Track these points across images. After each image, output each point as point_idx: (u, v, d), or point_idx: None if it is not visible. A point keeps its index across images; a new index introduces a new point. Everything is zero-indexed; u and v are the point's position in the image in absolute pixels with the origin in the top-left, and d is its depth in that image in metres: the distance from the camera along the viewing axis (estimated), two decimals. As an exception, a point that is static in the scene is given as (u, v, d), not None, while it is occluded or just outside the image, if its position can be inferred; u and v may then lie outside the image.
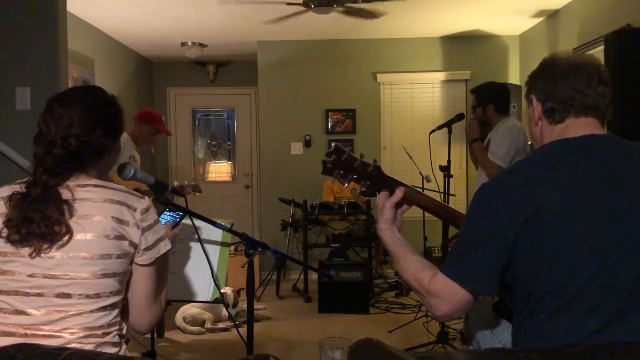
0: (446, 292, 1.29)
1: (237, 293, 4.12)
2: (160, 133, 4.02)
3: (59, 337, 1.27)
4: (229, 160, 7.00)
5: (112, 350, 1.32)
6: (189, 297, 2.11)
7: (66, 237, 1.27)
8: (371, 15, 4.80)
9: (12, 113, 2.92)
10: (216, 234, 2.12)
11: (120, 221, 1.32)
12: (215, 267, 2.04)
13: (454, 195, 4.23)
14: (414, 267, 1.39)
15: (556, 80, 1.33)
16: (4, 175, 2.84)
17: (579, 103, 1.32)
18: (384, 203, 1.50)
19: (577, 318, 1.19)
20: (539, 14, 4.94)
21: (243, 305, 3.94)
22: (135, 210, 1.35)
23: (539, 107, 1.38)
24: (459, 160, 5.58)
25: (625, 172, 1.24)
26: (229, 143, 7.00)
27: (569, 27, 4.57)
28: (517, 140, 3.36)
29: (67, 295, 1.28)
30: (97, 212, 1.31)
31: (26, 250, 1.27)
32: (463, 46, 5.76)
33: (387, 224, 1.49)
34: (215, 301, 2.09)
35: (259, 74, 5.88)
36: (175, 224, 1.85)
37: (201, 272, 2.06)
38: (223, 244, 2.13)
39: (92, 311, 1.29)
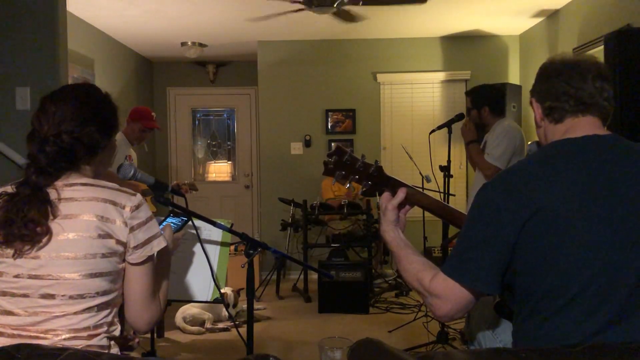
0: (447, 292, 1.29)
1: (237, 293, 4.12)
2: (150, 130, 4.01)
3: (44, 338, 1.26)
4: (229, 160, 7.00)
5: None
6: (189, 297, 2.11)
7: (45, 239, 1.27)
8: (352, 18, 4.79)
9: (12, 113, 2.92)
10: (216, 234, 2.12)
11: (105, 219, 1.31)
12: (215, 267, 2.04)
13: (454, 195, 4.23)
14: (415, 268, 1.39)
15: (551, 79, 1.35)
16: (4, 175, 2.83)
17: (574, 98, 1.32)
18: (386, 205, 1.50)
19: (578, 318, 1.19)
20: (539, 14, 4.94)
21: (243, 305, 3.95)
22: (123, 207, 1.34)
23: (539, 109, 1.39)
24: (459, 160, 5.58)
25: (627, 173, 1.24)
26: (229, 143, 7.00)
27: (569, 27, 4.57)
28: (514, 141, 3.37)
29: (51, 296, 1.27)
30: (82, 211, 1.30)
31: (10, 251, 1.27)
32: (463, 46, 5.76)
33: (391, 225, 1.49)
34: (215, 301, 2.09)
35: (259, 74, 5.87)
36: (178, 229, 1.83)
37: (201, 272, 2.06)
38: (223, 244, 2.12)
39: (76, 312, 1.28)
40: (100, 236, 1.30)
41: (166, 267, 1.58)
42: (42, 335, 1.26)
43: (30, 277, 1.27)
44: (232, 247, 4.13)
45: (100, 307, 1.32)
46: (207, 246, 2.07)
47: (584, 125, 1.32)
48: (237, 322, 3.95)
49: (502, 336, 1.55)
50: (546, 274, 1.21)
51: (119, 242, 1.33)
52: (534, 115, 1.42)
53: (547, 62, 1.40)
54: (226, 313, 3.98)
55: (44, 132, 1.33)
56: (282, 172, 5.85)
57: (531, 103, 1.42)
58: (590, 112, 1.33)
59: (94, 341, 1.30)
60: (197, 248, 2.05)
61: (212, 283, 2.04)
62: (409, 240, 1.49)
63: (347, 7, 4.40)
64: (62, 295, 1.27)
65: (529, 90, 1.46)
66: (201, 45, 5.80)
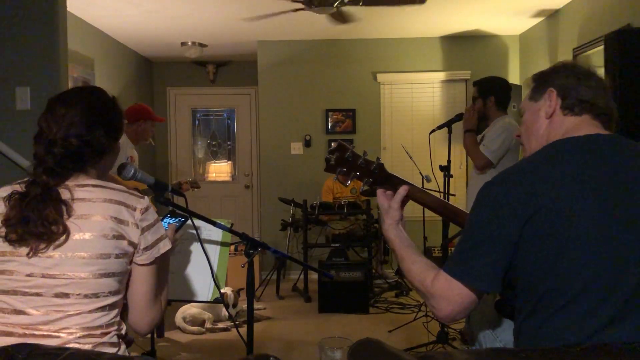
0: (449, 292, 1.28)
1: (237, 293, 4.12)
2: (154, 123, 4.00)
3: (57, 337, 1.26)
4: (229, 160, 7.00)
5: (111, 350, 1.32)
6: (189, 297, 2.11)
7: (63, 237, 1.28)
8: (352, 18, 4.78)
9: (12, 113, 2.92)
10: (216, 234, 2.12)
11: (120, 221, 1.33)
12: (215, 267, 2.04)
13: (454, 195, 4.22)
14: (417, 268, 1.38)
15: (580, 80, 1.36)
16: (4, 175, 2.83)
17: (598, 106, 1.35)
18: (389, 203, 1.49)
19: (579, 317, 1.18)
20: (539, 14, 4.94)
21: (243, 305, 3.94)
22: (134, 209, 1.36)
23: (558, 102, 1.38)
24: (459, 160, 5.58)
25: (630, 172, 1.24)
26: (229, 143, 7.00)
27: (569, 27, 4.56)
28: (510, 139, 3.39)
29: (66, 295, 1.27)
30: (96, 212, 1.31)
31: (24, 250, 1.28)
32: (463, 46, 5.76)
33: (394, 223, 1.48)
34: (215, 301, 2.08)
35: (259, 74, 5.87)
36: (177, 229, 1.84)
37: (201, 272, 2.06)
38: (223, 244, 2.12)
39: (90, 311, 1.29)
40: (114, 237, 1.32)
41: (167, 268, 1.59)
42: (54, 333, 1.27)
43: (44, 276, 1.27)
44: (232, 247, 4.13)
45: (111, 306, 1.34)
46: (207, 246, 2.07)
47: (590, 126, 1.34)
48: (237, 322, 3.95)
49: (502, 335, 1.55)
50: (548, 272, 1.20)
51: (130, 243, 1.35)
52: (546, 105, 1.39)
53: (571, 62, 1.45)
54: (226, 313, 3.98)
55: (52, 134, 1.34)
56: (282, 172, 5.85)
57: (546, 92, 1.39)
58: (602, 119, 1.36)
59: (106, 339, 1.31)
60: (197, 248, 2.05)
61: (212, 283, 2.04)
62: (409, 240, 1.49)
63: (346, 7, 4.40)
64: (77, 294, 1.28)
65: (541, 77, 1.43)
66: (201, 45, 5.80)
